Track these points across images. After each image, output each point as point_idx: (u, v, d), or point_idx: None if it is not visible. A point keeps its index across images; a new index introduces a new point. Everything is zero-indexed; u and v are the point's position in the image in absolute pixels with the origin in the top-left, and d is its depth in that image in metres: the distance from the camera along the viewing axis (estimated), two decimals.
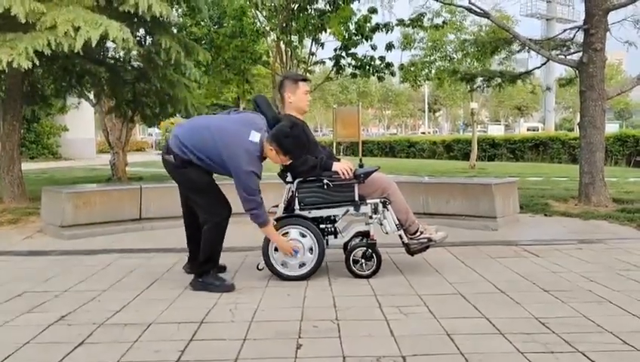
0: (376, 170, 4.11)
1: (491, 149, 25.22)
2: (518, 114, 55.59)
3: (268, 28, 11.70)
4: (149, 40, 8.24)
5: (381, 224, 4.02)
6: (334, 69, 12.11)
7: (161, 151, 4.29)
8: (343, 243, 4.13)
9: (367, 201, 4.01)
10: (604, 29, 7.11)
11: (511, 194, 6.41)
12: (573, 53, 8.38)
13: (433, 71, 16.27)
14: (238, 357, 2.57)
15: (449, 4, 12.66)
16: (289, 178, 4.03)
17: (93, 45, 5.74)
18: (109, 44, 7.79)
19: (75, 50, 5.67)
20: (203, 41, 11.28)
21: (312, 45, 11.81)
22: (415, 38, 15.90)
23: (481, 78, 10.75)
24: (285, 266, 3.94)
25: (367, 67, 11.79)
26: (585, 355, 2.53)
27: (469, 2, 8.25)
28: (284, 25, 10.90)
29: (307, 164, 3.92)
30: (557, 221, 6.45)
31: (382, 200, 4.02)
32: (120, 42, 5.85)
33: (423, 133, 53.64)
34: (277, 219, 3.96)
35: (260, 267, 4.00)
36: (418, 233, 4.10)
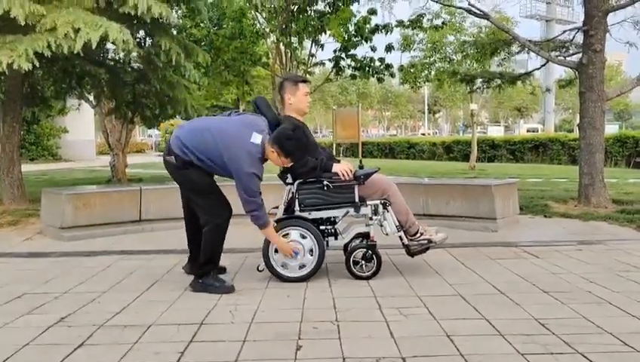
0: (376, 172, 4.11)
1: (491, 150, 25.23)
2: (518, 115, 55.57)
3: (267, 29, 11.70)
4: (148, 41, 8.24)
5: (381, 225, 4.02)
6: (334, 71, 12.11)
7: (161, 153, 4.29)
8: (343, 244, 4.13)
9: (368, 203, 4.01)
10: (604, 31, 7.12)
11: (511, 195, 6.42)
12: (573, 54, 8.39)
13: (433, 72, 16.27)
14: (237, 359, 2.57)
15: (449, 5, 12.67)
16: (289, 179, 4.03)
17: (93, 47, 5.75)
18: (109, 45, 7.82)
19: (75, 52, 5.67)
20: (203, 43, 11.29)
21: (311, 47, 11.82)
22: (414, 39, 15.90)
23: (481, 80, 10.76)
24: (285, 267, 3.94)
25: (367, 68, 11.79)
26: (585, 356, 2.53)
27: (469, 4, 8.26)
28: (284, 26, 10.90)
29: (307, 165, 3.92)
30: (557, 222, 6.45)
31: (382, 201, 4.02)
32: (120, 44, 5.86)
33: (423, 134, 53.62)
34: (277, 221, 3.96)
35: (260, 268, 4.00)
36: (418, 234, 4.10)
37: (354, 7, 10.95)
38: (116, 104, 9.34)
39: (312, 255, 3.92)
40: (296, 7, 10.76)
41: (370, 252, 3.98)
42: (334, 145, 11.62)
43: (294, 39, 11.21)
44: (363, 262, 3.98)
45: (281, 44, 11.28)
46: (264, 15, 11.67)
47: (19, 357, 2.63)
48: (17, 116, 7.72)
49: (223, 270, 4.13)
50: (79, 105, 14.99)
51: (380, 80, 12.67)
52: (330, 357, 2.58)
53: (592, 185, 7.09)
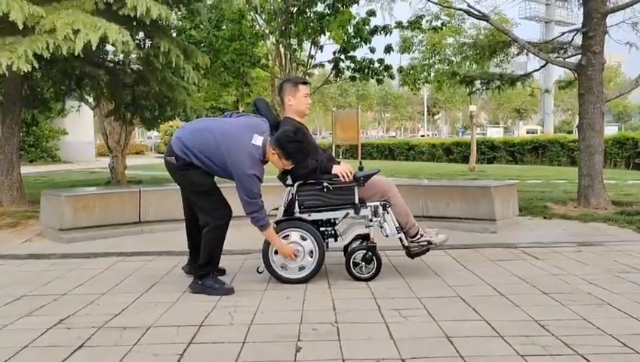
0: (376, 173, 4.11)
1: (490, 152, 25.24)
2: (517, 116, 55.61)
3: (267, 31, 11.70)
4: (148, 43, 8.24)
5: (381, 227, 4.02)
6: (333, 72, 12.11)
7: (160, 154, 4.30)
8: (343, 246, 4.12)
9: (367, 204, 4.01)
10: (603, 32, 7.13)
11: (510, 196, 6.42)
12: (572, 56, 8.40)
13: (432, 74, 16.27)
14: (237, 360, 2.57)
15: (448, 6, 12.67)
16: (289, 181, 4.03)
17: (93, 48, 5.75)
18: (109, 47, 7.81)
19: (75, 53, 5.67)
20: (202, 44, 11.28)
21: (311, 48, 11.82)
22: (414, 41, 15.90)
23: (480, 81, 10.76)
24: (285, 269, 3.94)
25: (366, 70, 11.79)
26: (584, 358, 2.52)
27: (468, 5, 8.27)
28: (284, 28, 10.90)
29: (307, 167, 3.92)
30: (556, 223, 6.46)
31: (382, 203, 4.02)
32: (119, 45, 5.86)
33: (423, 135, 53.66)
34: (277, 222, 3.96)
35: (259, 270, 4.00)
36: (418, 236, 4.10)
37: (353, 9, 10.96)
38: (115, 105, 9.33)
39: (311, 256, 3.92)
40: (296, 8, 10.76)
41: (370, 253, 3.97)
42: (334, 147, 11.63)
43: (294, 41, 11.22)
44: (363, 263, 3.98)
45: (281, 45, 11.28)
46: (263, 17, 11.67)
47: (18, 359, 2.62)
48: (17, 118, 7.71)
49: (223, 271, 4.13)
50: (79, 106, 14.99)
51: (379, 82, 12.67)
52: (330, 358, 2.57)
53: (591, 187, 7.10)
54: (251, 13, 11.45)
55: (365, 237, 4.08)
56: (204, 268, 3.78)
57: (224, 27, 11.52)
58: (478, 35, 14.89)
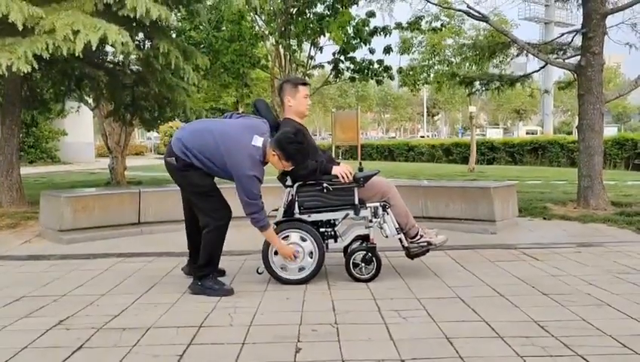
0: (375, 174, 4.11)
1: (490, 153, 25.23)
2: (517, 117, 55.67)
3: (267, 32, 11.71)
4: (147, 44, 8.24)
5: (381, 228, 4.02)
6: (333, 73, 12.12)
7: (159, 155, 4.29)
8: (343, 246, 4.12)
9: (367, 205, 4.01)
10: (602, 33, 7.13)
11: (510, 197, 6.42)
12: (571, 56, 8.41)
13: (432, 75, 16.27)
14: (237, 361, 2.57)
15: (448, 7, 12.68)
16: (289, 182, 4.03)
17: (93, 49, 5.75)
18: (108, 48, 7.80)
19: (76, 54, 5.67)
20: (202, 45, 11.29)
21: (310, 49, 11.83)
22: (413, 42, 15.91)
23: (480, 82, 10.77)
24: (285, 270, 3.94)
25: (366, 71, 11.81)
26: (584, 359, 2.52)
27: (468, 6, 8.28)
28: (283, 29, 10.91)
29: (307, 167, 3.92)
30: (556, 224, 6.46)
31: (382, 203, 4.02)
32: (119, 46, 5.86)
33: (422, 136, 53.67)
34: (277, 223, 3.96)
35: (259, 271, 4.00)
36: (418, 237, 4.10)
37: (353, 10, 10.97)
38: (115, 106, 9.32)
39: (311, 257, 3.92)
40: (296, 9, 10.78)
41: (369, 254, 3.98)
42: (333, 148, 11.63)
43: (293, 42, 11.23)
44: (363, 264, 3.98)
45: (280, 46, 11.29)
46: (263, 17, 11.68)
47: (17, 360, 2.62)
48: (16, 119, 7.71)
49: (222, 272, 4.13)
50: (78, 107, 14.99)
51: (378, 82, 12.68)
52: (330, 359, 2.57)
53: (591, 188, 7.10)
54: (251, 14, 11.46)
55: (365, 238, 4.08)
56: (204, 269, 3.78)
57: (224, 28, 11.52)
58: (477, 36, 14.88)
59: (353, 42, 11.28)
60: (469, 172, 16.53)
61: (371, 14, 11.15)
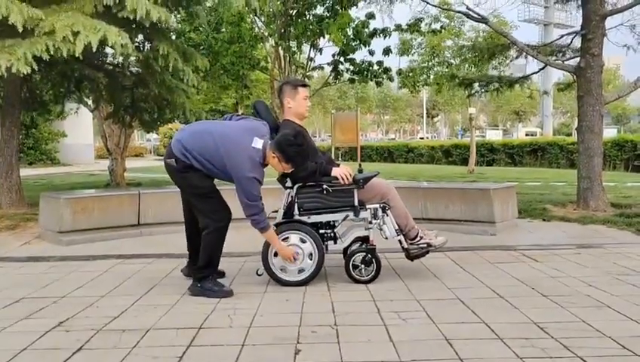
0: (375, 176, 4.11)
1: (490, 154, 25.24)
2: (516, 119, 55.75)
3: (266, 33, 11.71)
4: (147, 46, 8.24)
5: (381, 229, 4.02)
6: (333, 75, 12.12)
7: (159, 157, 4.29)
8: (343, 248, 4.12)
9: (367, 206, 4.01)
10: (602, 34, 7.14)
11: (509, 199, 6.42)
12: (571, 58, 8.41)
13: (432, 76, 16.30)
14: None
15: (447, 9, 12.70)
16: (288, 183, 4.03)
17: (93, 50, 5.76)
18: (108, 49, 7.81)
19: (76, 55, 5.68)
20: (201, 47, 11.29)
21: (310, 51, 11.83)
22: (413, 43, 15.94)
23: (479, 83, 10.77)
24: (284, 271, 3.94)
25: (366, 72, 11.81)
26: (584, 360, 2.52)
27: (467, 8, 8.28)
28: (283, 30, 10.91)
29: (307, 169, 3.92)
30: (555, 226, 6.46)
31: (381, 205, 4.02)
32: (119, 48, 5.86)
33: (422, 138, 53.68)
34: (276, 225, 3.95)
35: (259, 272, 4.00)
36: (418, 238, 4.10)
37: (352, 12, 10.98)
38: (115, 108, 9.33)
39: (311, 259, 3.91)
40: (295, 11, 10.78)
41: (369, 256, 3.98)
42: (333, 149, 11.62)
43: (293, 43, 11.23)
44: (362, 265, 3.98)
45: (280, 48, 11.28)
46: (263, 19, 11.68)
47: None
48: (16, 120, 7.71)
49: (222, 274, 4.13)
50: (77, 109, 14.98)
51: (378, 84, 12.69)
52: (329, 361, 2.57)
53: (590, 189, 7.10)
54: (250, 15, 11.46)
55: (365, 240, 4.08)
56: (204, 271, 3.78)
57: (223, 30, 11.53)
58: (477, 38, 14.93)
59: (353, 44, 11.28)
60: (468, 173, 16.53)
61: (371, 16, 11.15)
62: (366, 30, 11.24)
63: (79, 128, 23.50)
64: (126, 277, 4.29)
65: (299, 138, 3.72)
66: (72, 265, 4.76)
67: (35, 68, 5.70)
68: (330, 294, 3.73)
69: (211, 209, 3.78)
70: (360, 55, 11.80)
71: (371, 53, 11.73)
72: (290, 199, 4.05)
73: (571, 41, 8.53)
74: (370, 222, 4.01)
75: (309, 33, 10.76)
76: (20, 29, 5.54)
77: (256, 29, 11.85)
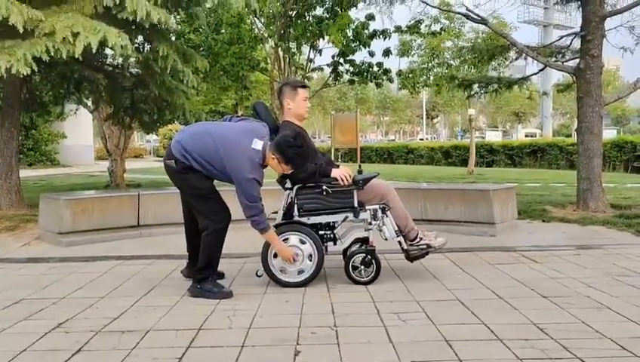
0: (375, 177, 4.11)
1: (489, 155, 25.25)
2: (516, 120, 55.74)
3: (266, 35, 11.72)
4: (147, 47, 8.25)
5: (380, 230, 4.02)
6: (332, 76, 12.13)
7: (159, 158, 4.30)
8: (342, 249, 4.12)
9: (367, 207, 4.01)
10: (601, 36, 7.14)
11: (509, 200, 6.42)
12: (570, 59, 8.41)
13: (431, 77, 16.30)
14: None
15: (447, 10, 12.70)
16: (288, 184, 4.03)
17: (93, 51, 5.76)
18: (108, 51, 7.81)
19: (75, 56, 5.68)
20: (201, 48, 11.30)
21: (310, 52, 11.84)
22: (412, 45, 15.94)
23: (478, 85, 10.78)
24: (284, 273, 3.93)
25: (365, 74, 11.82)
26: (583, 361, 2.52)
27: (467, 9, 8.29)
28: (282, 32, 10.92)
29: (306, 170, 3.92)
30: (555, 227, 6.46)
31: (381, 206, 4.02)
32: (118, 49, 5.87)
33: (422, 139, 53.71)
34: (276, 226, 3.95)
35: (258, 273, 4.00)
36: (417, 239, 4.10)
37: (352, 13, 10.98)
38: (114, 109, 9.33)
39: (310, 260, 3.91)
40: (295, 12, 10.79)
41: (369, 257, 3.98)
42: (332, 150, 11.64)
43: (293, 44, 11.23)
44: (362, 267, 3.98)
45: (280, 49, 11.29)
46: (262, 20, 11.69)
47: None
48: (15, 121, 7.71)
49: (222, 275, 4.13)
50: (77, 110, 14.98)
51: (378, 85, 12.70)
52: None
53: (590, 190, 7.10)
54: (250, 16, 11.47)
55: (364, 241, 4.08)
56: (203, 272, 3.78)
57: (223, 31, 11.54)
58: (476, 39, 14.91)
59: (352, 45, 11.29)
60: (468, 174, 16.53)
61: (370, 17, 11.16)
62: (366, 31, 11.25)
63: (79, 129, 23.49)
64: (126, 279, 4.29)
65: (298, 139, 3.72)
66: (72, 266, 4.76)
67: (35, 69, 5.71)
68: (329, 295, 3.73)
69: (211, 210, 3.78)
70: (360, 56, 11.84)
71: (371, 54, 11.75)
72: (289, 200, 4.06)
73: (571, 43, 8.54)
74: (370, 223, 4.01)
75: (308, 34, 10.76)
76: (20, 30, 5.54)
77: (256, 30, 11.86)
